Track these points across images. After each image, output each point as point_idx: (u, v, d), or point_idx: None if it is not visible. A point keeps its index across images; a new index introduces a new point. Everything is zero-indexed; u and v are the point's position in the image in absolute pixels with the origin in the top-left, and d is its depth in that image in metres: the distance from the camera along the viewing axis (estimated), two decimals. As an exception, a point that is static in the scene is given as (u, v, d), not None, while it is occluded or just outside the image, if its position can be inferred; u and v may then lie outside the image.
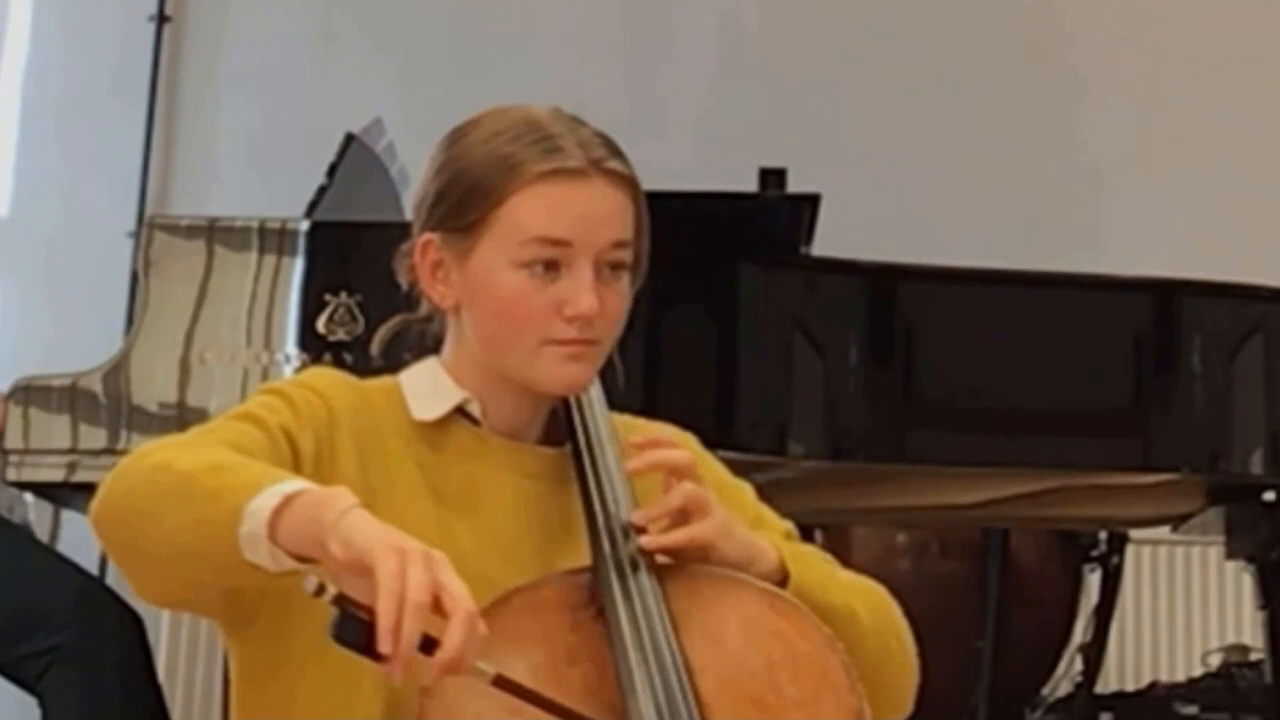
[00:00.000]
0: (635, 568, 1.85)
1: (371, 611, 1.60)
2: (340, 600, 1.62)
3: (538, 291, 1.89)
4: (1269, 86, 5.28)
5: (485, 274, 1.90)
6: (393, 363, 2.02)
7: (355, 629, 1.61)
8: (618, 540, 1.87)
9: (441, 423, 1.94)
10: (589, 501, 1.90)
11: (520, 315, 1.89)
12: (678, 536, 1.88)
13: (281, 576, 1.68)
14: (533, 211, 1.88)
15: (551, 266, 1.89)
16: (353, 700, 1.83)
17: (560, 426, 1.98)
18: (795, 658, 1.84)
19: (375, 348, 2.04)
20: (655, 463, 1.91)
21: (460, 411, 1.95)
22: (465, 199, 1.91)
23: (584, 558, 1.88)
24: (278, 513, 1.65)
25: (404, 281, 1.99)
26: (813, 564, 1.98)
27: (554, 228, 1.88)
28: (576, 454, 1.94)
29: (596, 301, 1.88)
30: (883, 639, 1.97)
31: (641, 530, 1.88)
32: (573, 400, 1.96)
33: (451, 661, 1.61)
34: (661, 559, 1.88)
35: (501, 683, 1.67)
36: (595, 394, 1.98)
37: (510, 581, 1.83)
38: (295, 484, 1.68)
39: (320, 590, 1.61)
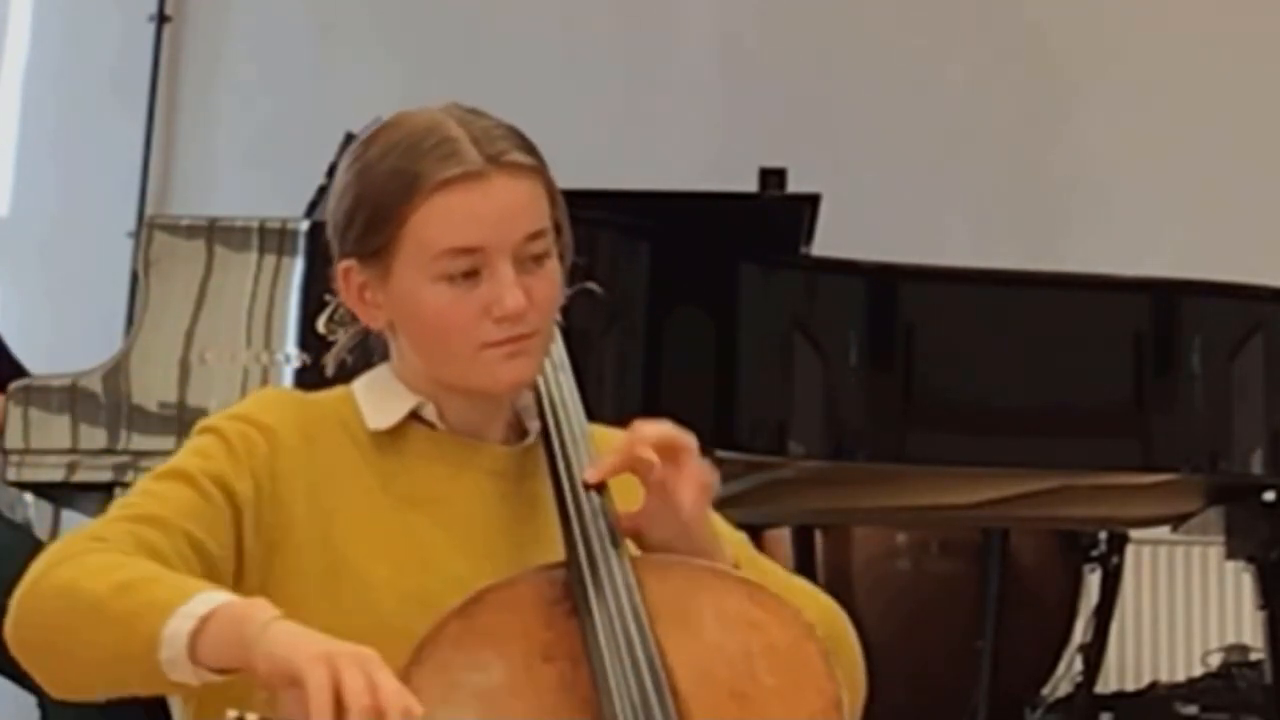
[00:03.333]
0: (609, 562, 1.84)
1: None
2: None
3: (461, 300, 1.86)
4: (1269, 86, 5.28)
5: (407, 293, 1.88)
6: (360, 369, 2.01)
7: None
8: (591, 535, 1.86)
9: (399, 429, 1.92)
10: (561, 497, 1.89)
11: (450, 327, 1.86)
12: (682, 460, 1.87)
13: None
14: (438, 225, 1.85)
15: (471, 273, 1.86)
16: None
17: (522, 421, 1.97)
18: (773, 648, 1.83)
19: (330, 367, 2.02)
20: (619, 465, 1.89)
21: (416, 416, 1.94)
22: (370, 223, 1.88)
23: (557, 553, 1.87)
24: (195, 636, 1.64)
25: (339, 302, 1.98)
26: (765, 571, 1.98)
27: (462, 237, 1.85)
28: (549, 449, 1.92)
29: (523, 298, 1.85)
30: (835, 645, 1.95)
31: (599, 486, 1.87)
32: (544, 395, 1.95)
33: None
34: (635, 551, 1.88)
35: None
36: (567, 389, 1.97)
37: (482, 580, 1.82)
38: (206, 601, 1.66)
39: (241, 718, 1.59)
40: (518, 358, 1.88)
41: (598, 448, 1.93)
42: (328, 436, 1.90)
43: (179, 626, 1.65)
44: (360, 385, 1.96)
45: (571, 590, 1.83)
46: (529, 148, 1.89)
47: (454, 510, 1.90)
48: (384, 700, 1.59)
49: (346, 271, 1.92)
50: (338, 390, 1.96)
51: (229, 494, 1.82)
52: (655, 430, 1.89)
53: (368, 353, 2.01)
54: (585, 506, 1.87)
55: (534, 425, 1.96)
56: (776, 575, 2.00)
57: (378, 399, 1.94)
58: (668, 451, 1.88)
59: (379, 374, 1.97)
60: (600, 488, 1.89)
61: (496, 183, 1.86)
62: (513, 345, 1.87)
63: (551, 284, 1.90)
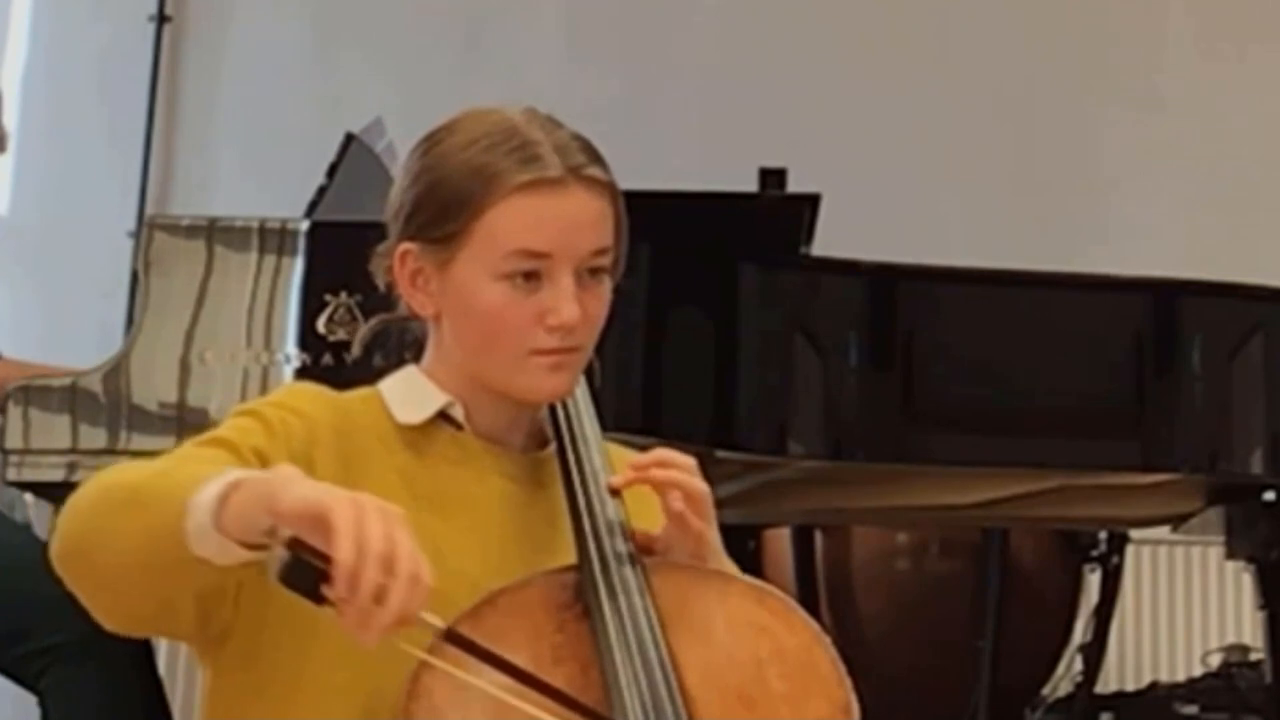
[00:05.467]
0: (621, 565, 1.85)
1: (324, 558, 1.60)
2: (294, 543, 1.61)
3: (519, 302, 1.88)
4: (1270, 86, 5.28)
5: (465, 285, 1.89)
6: (370, 367, 2.01)
7: (305, 573, 1.60)
8: (603, 538, 1.87)
9: (424, 427, 1.93)
10: (574, 500, 1.90)
11: (502, 326, 1.88)
12: (677, 504, 1.88)
13: (229, 571, 1.68)
14: (512, 224, 1.87)
15: (532, 277, 1.88)
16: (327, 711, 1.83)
17: (543, 431, 1.98)
18: (783, 652, 1.84)
19: (355, 348, 2.04)
20: (640, 479, 1.90)
21: (443, 416, 1.94)
22: (442, 210, 1.89)
23: (570, 560, 1.88)
24: (223, 500, 1.64)
25: (381, 283, 1.99)
26: None
27: (534, 240, 1.87)
28: (561, 453, 1.93)
29: (579, 311, 1.88)
30: None
31: (615, 492, 1.89)
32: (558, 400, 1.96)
33: (399, 613, 1.60)
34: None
35: (453, 637, 1.67)
36: (580, 394, 1.98)
37: (493, 583, 1.83)
38: (240, 472, 1.67)
39: (273, 531, 1.61)
40: (560, 370, 1.90)
41: (611, 462, 1.94)
42: (357, 433, 1.91)
43: (208, 492, 1.65)
44: (387, 385, 1.98)
45: (583, 594, 1.84)
46: (605, 165, 1.92)
47: (471, 513, 1.91)
48: (399, 553, 1.61)
49: (404, 255, 1.93)
50: (363, 390, 1.98)
51: (264, 465, 1.81)
52: (686, 464, 1.90)
53: (401, 347, 2.02)
54: (598, 511, 1.89)
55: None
56: None
57: (407, 396, 1.95)
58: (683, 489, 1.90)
59: (407, 373, 1.98)
60: (615, 493, 1.90)
61: (574, 193, 1.88)
62: (559, 356, 1.89)
63: (603, 303, 1.92)
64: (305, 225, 3.31)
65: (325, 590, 1.60)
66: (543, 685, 1.70)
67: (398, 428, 1.92)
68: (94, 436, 3.17)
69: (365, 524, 1.60)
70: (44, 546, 3.95)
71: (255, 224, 3.28)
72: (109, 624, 1.80)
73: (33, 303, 5.20)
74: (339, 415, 1.91)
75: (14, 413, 3.19)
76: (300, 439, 1.86)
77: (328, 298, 3.22)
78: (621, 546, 1.87)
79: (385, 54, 5.36)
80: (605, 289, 1.93)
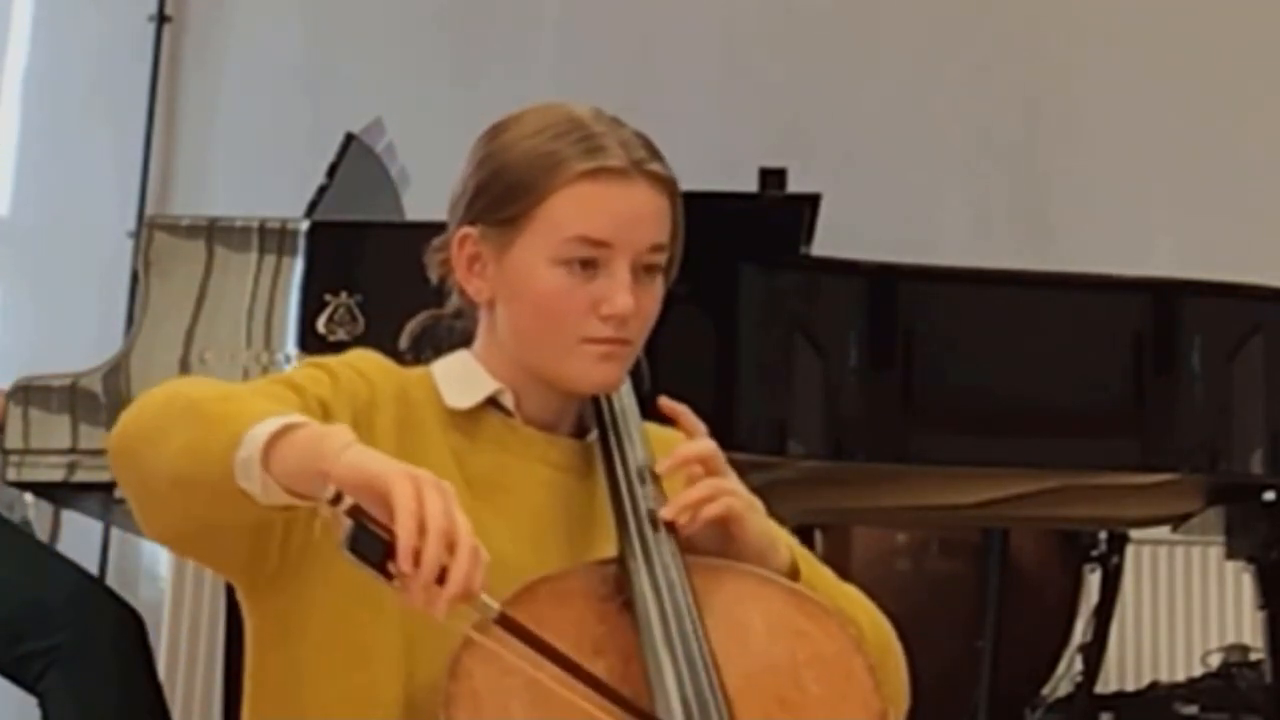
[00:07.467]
0: (663, 560, 1.86)
1: (389, 530, 1.60)
2: (356, 511, 1.61)
3: (574, 289, 1.90)
4: (1269, 85, 5.28)
5: (523, 269, 1.91)
6: (417, 359, 2.02)
7: (372, 544, 1.61)
8: (645, 532, 1.88)
9: (474, 412, 1.95)
10: (616, 493, 1.91)
11: (556, 312, 1.90)
12: (710, 511, 1.89)
13: (268, 510, 1.69)
14: (574, 210, 1.90)
15: (589, 265, 1.90)
16: (372, 684, 1.83)
17: (584, 418, 1.99)
18: (820, 657, 1.84)
19: (404, 341, 2.05)
20: (683, 459, 1.92)
21: (493, 402, 1.95)
22: (506, 194, 1.92)
23: (610, 550, 1.89)
24: (274, 439, 1.66)
25: (434, 276, 2.00)
26: (820, 570, 2.00)
27: (594, 228, 1.90)
28: (605, 445, 1.95)
29: (633, 301, 1.90)
30: (882, 655, 1.97)
31: (670, 525, 1.89)
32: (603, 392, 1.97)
33: (461, 591, 1.61)
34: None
35: (505, 621, 1.68)
36: (626, 391, 1.99)
37: (536, 571, 1.84)
38: (299, 418, 1.69)
39: (338, 498, 1.61)
40: (610, 361, 1.92)
41: (654, 446, 1.95)
42: (416, 408, 1.93)
43: (262, 429, 1.66)
44: (439, 367, 1.99)
45: (623, 586, 1.84)
46: (667, 164, 1.96)
47: (516, 499, 1.92)
48: (459, 532, 1.62)
49: (463, 239, 1.95)
50: (416, 369, 1.99)
51: (327, 416, 1.83)
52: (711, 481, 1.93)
53: (435, 339, 2.03)
54: (642, 509, 1.90)
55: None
56: (827, 581, 2.01)
57: (457, 380, 1.96)
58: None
59: (458, 357, 2.00)
60: (658, 481, 1.92)
61: (638, 186, 1.92)
62: (610, 346, 1.91)
63: (655, 300, 1.95)
64: (305, 225, 3.31)
65: (390, 566, 1.61)
66: (584, 674, 1.70)
67: (448, 411, 1.93)
68: (94, 436, 3.17)
69: (425, 500, 1.61)
70: (44, 548, 3.98)
71: (255, 224, 3.28)
72: (150, 533, 1.81)
73: (32, 303, 5.20)
74: (400, 387, 1.93)
75: (14, 413, 3.19)
76: (364, 399, 1.88)
77: (328, 298, 3.22)
78: (664, 543, 1.87)
79: (385, 54, 5.35)
80: (658, 287, 1.96)
